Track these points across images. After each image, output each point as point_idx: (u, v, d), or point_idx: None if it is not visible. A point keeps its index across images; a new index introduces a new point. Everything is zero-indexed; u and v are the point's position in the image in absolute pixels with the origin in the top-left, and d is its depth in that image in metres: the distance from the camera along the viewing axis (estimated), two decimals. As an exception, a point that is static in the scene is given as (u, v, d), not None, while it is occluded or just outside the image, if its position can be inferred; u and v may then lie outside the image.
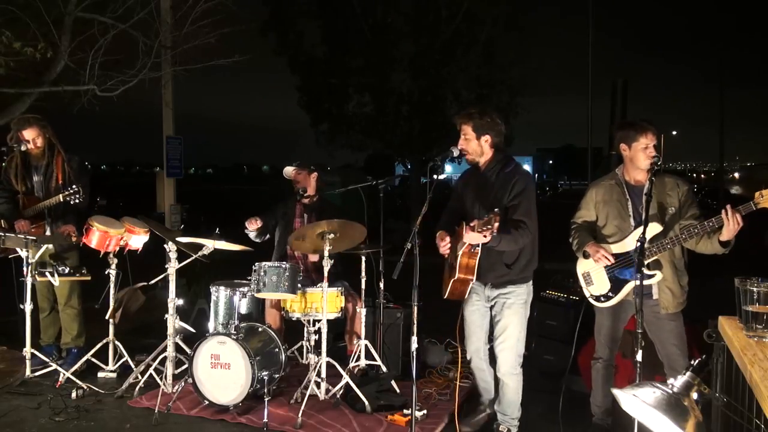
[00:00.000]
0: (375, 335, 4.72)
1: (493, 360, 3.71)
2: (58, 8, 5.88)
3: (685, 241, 3.28)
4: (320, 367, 4.16)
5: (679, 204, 3.36)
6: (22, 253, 4.39)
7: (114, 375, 4.61)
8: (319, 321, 4.23)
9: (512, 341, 3.54)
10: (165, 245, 4.30)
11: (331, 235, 4.10)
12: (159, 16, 6.65)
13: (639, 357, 2.75)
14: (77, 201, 4.52)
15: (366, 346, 4.57)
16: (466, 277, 3.42)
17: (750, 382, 1.83)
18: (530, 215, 3.40)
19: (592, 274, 3.56)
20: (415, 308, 3.04)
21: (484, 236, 3.12)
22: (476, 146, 3.53)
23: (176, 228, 7.28)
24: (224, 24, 6.43)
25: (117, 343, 4.64)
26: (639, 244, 2.91)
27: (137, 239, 4.72)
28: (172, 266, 4.26)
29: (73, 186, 4.52)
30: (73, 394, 4.19)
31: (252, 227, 4.70)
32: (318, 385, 4.17)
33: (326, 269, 4.13)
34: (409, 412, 3.37)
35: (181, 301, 4.56)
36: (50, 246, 4.61)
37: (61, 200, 4.53)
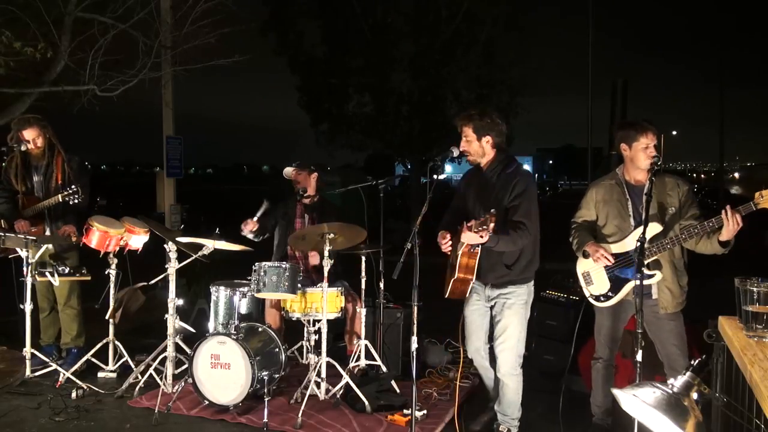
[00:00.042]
0: (375, 335, 4.72)
1: (493, 360, 3.71)
2: (58, 8, 5.88)
3: (684, 241, 3.28)
4: (320, 367, 4.16)
5: (680, 204, 3.36)
6: (22, 253, 4.40)
7: (114, 375, 4.61)
8: (319, 321, 4.23)
9: (512, 341, 3.53)
10: (165, 245, 4.30)
11: (331, 235, 4.11)
12: (159, 16, 6.65)
13: (639, 357, 2.75)
14: (76, 201, 4.52)
15: (366, 346, 4.57)
16: (465, 277, 3.42)
17: (750, 382, 1.83)
18: (530, 216, 3.40)
19: (592, 273, 3.56)
20: (415, 308, 3.04)
21: (481, 236, 3.12)
22: (478, 147, 3.53)
23: (176, 228, 7.28)
24: (224, 24, 6.43)
25: (117, 343, 4.64)
26: (639, 243, 2.91)
27: (137, 239, 4.72)
28: (172, 266, 4.26)
29: (72, 186, 4.52)
30: (73, 394, 4.19)
31: (247, 229, 4.68)
32: (318, 385, 4.17)
33: (326, 269, 4.13)
34: (409, 412, 3.37)
35: (181, 301, 4.56)
36: (50, 246, 4.62)
37: (60, 200, 4.53)
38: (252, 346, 4.03)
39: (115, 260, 4.71)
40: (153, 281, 4.68)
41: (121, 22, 6.12)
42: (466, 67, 14.24)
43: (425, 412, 4.00)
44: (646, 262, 3.10)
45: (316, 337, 4.28)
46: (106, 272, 4.69)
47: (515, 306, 3.52)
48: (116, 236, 4.60)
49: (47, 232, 4.71)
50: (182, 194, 8.55)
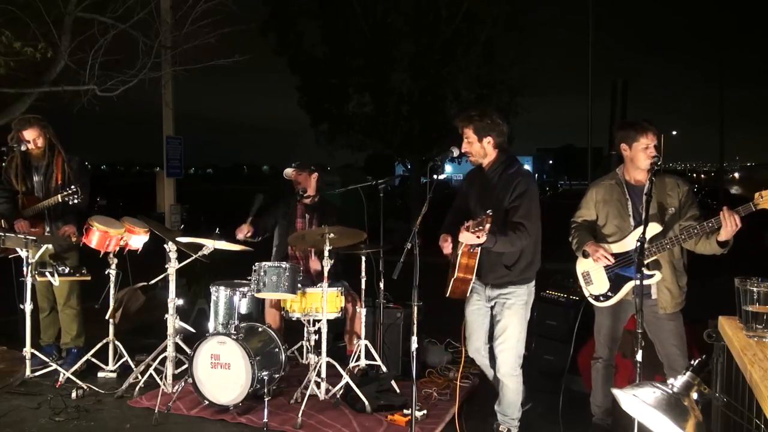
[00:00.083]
0: (375, 335, 4.72)
1: (493, 360, 3.71)
2: (58, 8, 5.88)
3: (684, 242, 3.28)
4: (320, 367, 4.16)
5: (679, 204, 3.36)
6: (22, 253, 4.40)
7: (114, 375, 4.61)
8: (319, 321, 4.23)
9: (512, 342, 3.53)
10: (165, 245, 4.30)
11: (331, 235, 4.11)
12: (159, 16, 6.65)
13: (639, 357, 2.75)
14: (76, 201, 4.52)
15: (366, 346, 4.57)
16: (465, 277, 3.42)
17: (750, 382, 1.83)
18: (530, 217, 3.40)
19: (592, 273, 3.56)
20: (415, 308, 3.04)
21: (477, 237, 3.13)
22: (479, 148, 3.53)
23: (176, 228, 7.28)
24: (224, 24, 6.43)
25: (117, 343, 4.64)
26: (639, 243, 2.91)
27: (137, 239, 4.72)
28: (172, 266, 4.26)
29: (72, 186, 4.52)
30: (73, 394, 4.19)
31: (242, 235, 4.65)
32: (318, 385, 4.17)
33: (326, 269, 4.13)
34: (409, 412, 3.37)
35: (181, 301, 4.55)
36: (50, 246, 4.62)
37: (60, 200, 4.53)
38: (252, 346, 4.03)
39: (115, 260, 4.71)
40: (153, 281, 4.68)
41: (121, 22, 6.12)
42: (466, 67, 14.24)
43: (425, 412, 4.00)
44: (645, 262, 3.10)
45: (316, 337, 4.28)
46: (106, 272, 4.69)
47: (515, 306, 3.52)
48: (116, 236, 4.60)
49: (47, 232, 4.71)
50: (182, 194, 8.55)
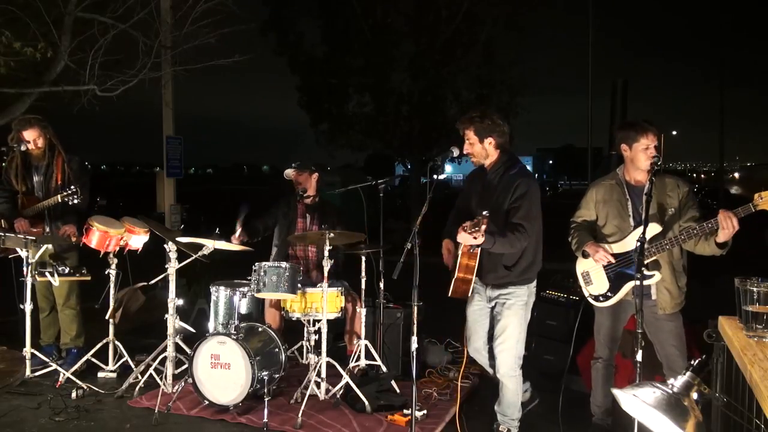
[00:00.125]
0: (375, 335, 4.72)
1: (493, 360, 3.71)
2: (58, 8, 5.88)
3: (684, 242, 3.28)
4: (320, 367, 4.16)
5: (679, 205, 3.36)
6: (22, 253, 4.40)
7: (114, 375, 4.61)
8: (319, 321, 4.23)
9: (511, 342, 3.53)
10: (165, 245, 4.30)
11: (331, 235, 4.12)
12: (159, 16, 6.65)
13: (639, 357, 2.75)
14: (76, 201, 4.52)
15: (366, 346, 4.57)
16: (466, 277, 3.42)
17: (750, 382, 1.83)
18: (530, 219, 3.39)
19: (591, 273, 3.56)
20: (415, 308, 3.04)
21: (474, 237, 3.13)
22: (481, 149, 3.53)
23: (176, 228, 7.28)
24: (224, 24, 6.44)
25: (117, 343, 4.64)
26: (639, 243, 2.91)
27: (137, 239, 4.72)
28: (172, 266, 4.26)
29: (72, 186, 4.52)
30: (73, 394, 4.19)
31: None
32: (318, 385, 4.17)
33: (326, 269, 4.14)
34: (409, 412, 3.37)
35: (181, 301, 4.55)
36: (50, 246, 4.62)
37: (60, 200, 4.53)
38: (252, 346, 4.03)
39: (115, 260, 4.71)
40: (153, 281, 4.68)
41: (121, 22, 6.12)
42: (466, 67, 14.23)
43: (425, 412, 4.00)
44: (645, 263, 3.10)
45: (316, 337, 4.29)
46: (106, 272, 4.69)
47: (515, 306, 3.52)
48: (116, 236, 4.60)
49: (47, 232, 4.71)
50: (182, 194, 8.55)
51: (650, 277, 3.32)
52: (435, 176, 3.46)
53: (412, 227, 3.09)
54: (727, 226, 3.03)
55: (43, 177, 4.75)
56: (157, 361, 4.36)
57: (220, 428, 3.84)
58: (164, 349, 4.33)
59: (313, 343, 4.30)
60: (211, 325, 4.45)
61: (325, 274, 4.14)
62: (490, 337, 3.65)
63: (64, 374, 4.39)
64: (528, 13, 13.87)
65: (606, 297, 3.51)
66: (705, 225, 3.15)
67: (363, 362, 4.56)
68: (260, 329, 4.32)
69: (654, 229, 3.28)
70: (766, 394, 1.63)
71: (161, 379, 4.24)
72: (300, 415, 3.84)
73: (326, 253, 4.11)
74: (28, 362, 4.48)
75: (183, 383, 4.12)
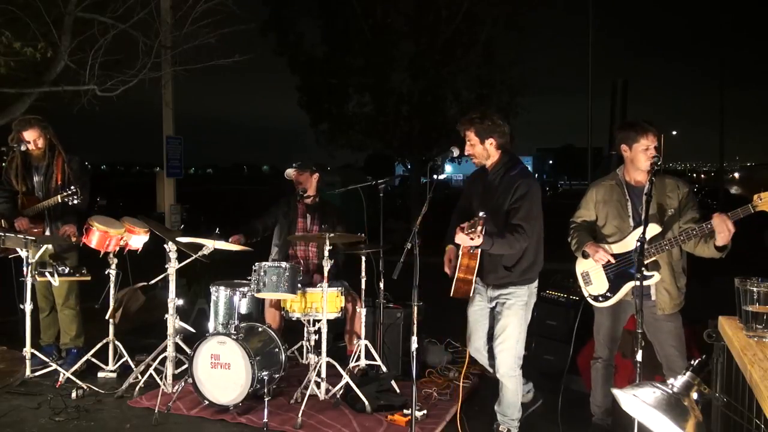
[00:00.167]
0: (375, 335, 4.72)
1: (493, 360, 3.71)
2: (58, 8, 5.88)
3: (683, 243, 3.28)
4: (320, 367, 4.16)
5: (679, 206, 3.36)
6: (22, 253, 4.40)
7: (114, 375, 4.61)
8: (319, 321, 4.23)
9: (511, 342, 3.53)
10: (165, 245, 4.30)
11: (332, 235, 4.12)
12: (159, 16, 6.65)
13: (639, 357, 2.75)
14: (75, 201, 4.52)
15: (366, 346, 4.57)
16: (466, 277, 3.43)
17: (750, 382, 1.83)
18: (529, 219, 3.39)
19: (591, 273, 3.56)
20: (415, 308, 3.04)
21: (471, 239, 3.13)
22: (482, 150, 3.53)
23: (176, 228, 7.28)
24: (224, 24, 6.44)
25: (117, 343, 4.64)
26: (639, 244, 2.91)
27: (137, 239, 4.72)
28: (172, 266, 4.26)
29: (72, 186, 4.52)
30: (73, 394, 4.19)
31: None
32: (318, 385, 4.17)
33: (326, 269, 4.14)
34: (409, 412, 3.37)
35: (181, 301, 4.56)
36: (50, 246, 4.62)
37: (60, 201, 4.53)
38: (252, 346, 4.03)
39: (115, 260, 4.71)
40: (153, 281, 4.68)
41: (121, 22, 6.12)
42: (466, 67, 14.23)
43: (425, 412, 4.00)
44: (645, 263, 3.10)
45: (316, 337, 4.29)
46: (106, 272, 4.69)
47: (515, 306, 3.52)
48: (116, 236, 4.60)
49: (47, 232, 4.71)
50: (182, 194, 8.55)
51: (650, 277, 3.31)
52: (435, 176, 3.46)
53: (412, 227, 3.09)
54: (722, 229, 3.02)
55: (43, 177, 4.75)
56: (157, 361, 4.36)
57: (220, 428, 3.84)
58: (164, 349, 4.33)
59: (313, 343, 4.30)
60: (211, 325, 4.45)
61: (325, 274, 4.14)
62: (491, 337, 3.66)
63: (64, 374, 4.39)
64: (528, 13, 13.90)
65: (605, 297, 3.51)
66: (704, 226, 3.15)
67: (363, 362, 4.56)
68: (260, 329, 4.32)
69: (654, 229, 3.28)
70: (766, 394, 1.63)
71: (161, 379, 4.24)
72: (300, 415, 3.84)
73: (326, 253, 4.12)
74: (28, 362, 4.48)
75: (183, 383, 4.12)
